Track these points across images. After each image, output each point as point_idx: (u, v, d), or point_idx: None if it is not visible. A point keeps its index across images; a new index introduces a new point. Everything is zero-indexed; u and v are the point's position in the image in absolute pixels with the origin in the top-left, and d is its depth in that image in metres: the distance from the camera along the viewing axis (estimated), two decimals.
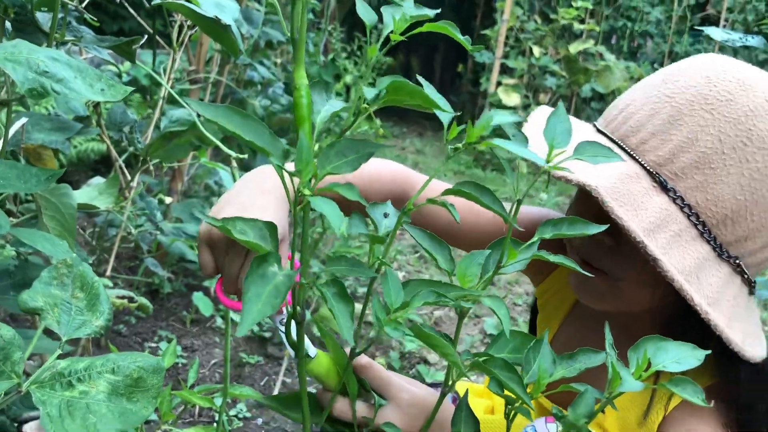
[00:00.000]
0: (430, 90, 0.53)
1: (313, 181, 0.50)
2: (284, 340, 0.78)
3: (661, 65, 7.08)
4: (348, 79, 4.90)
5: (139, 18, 1.87)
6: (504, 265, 0.63)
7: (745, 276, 0.72)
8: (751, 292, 0.75)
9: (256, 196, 0.77)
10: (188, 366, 1.82)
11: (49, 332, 0.69)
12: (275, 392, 1.73)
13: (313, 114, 0.54)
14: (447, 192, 0.58)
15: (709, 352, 0.57)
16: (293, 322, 0.60)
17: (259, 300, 0.46)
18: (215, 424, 1.62)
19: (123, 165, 1.79)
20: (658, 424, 0.79)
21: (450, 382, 0.65)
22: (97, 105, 1.47)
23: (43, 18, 0.95)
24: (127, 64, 2.87)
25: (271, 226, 0.54)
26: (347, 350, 0.67)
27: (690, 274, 0.67)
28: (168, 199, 1.99)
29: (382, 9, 0.59)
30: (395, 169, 0.97)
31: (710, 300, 0.68)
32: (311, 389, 0.76)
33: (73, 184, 1.10)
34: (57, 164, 1.38)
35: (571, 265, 0.62)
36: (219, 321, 2.06)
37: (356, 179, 0.85)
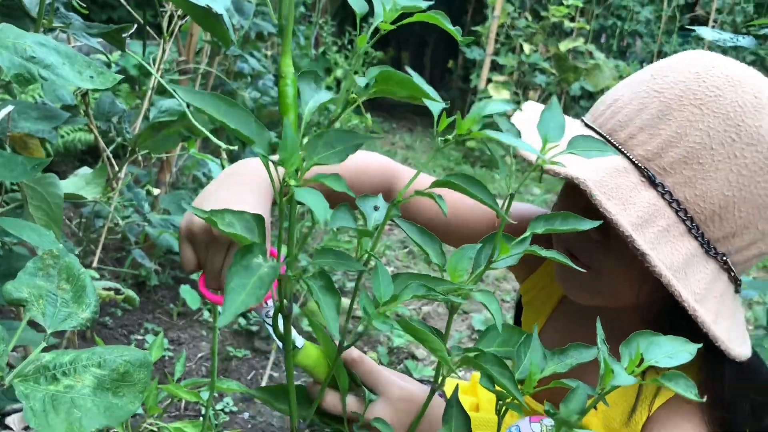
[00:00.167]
0: (419, 81, 0.52)
1: (299, 171, 0.50)
2: (271, 332, 0.77)
3: (650, 64, 7.09)
4: (339, 72, 4.88)
5: (128, 7, 1.84)
6: (495, 260, 0.63)
7: (732, 273, 0.72)
8: (737, 291, 0.75)
9: (236, 191, 0.76)
10: (175, 359, 1.81)
11: (34, 324, 0.68)
12: (263, 386, 1.72)
13: (301, 105, 0.53)
14: (436, 184, 0.57)
15: (701, 345, 0.57)
16: (280, 315, 0.59)
17: (243, 291, 0.45)
18: (201, 418, 1.61)
19: (111, 155, 1.77)
20: (642, 424, 0.79)
21: (440, 378, 0.64)
22: (85, 94, 1.45)
23: (31, 3, 0.93)
24: (116, 53, 2.84)
25: (258, 219, 0.53)
26: (336, 342, 0.66)
27: (678, 270, 0.67)
28: (156, 191, 1.97)
29: None
30: (383, 162, 0.97)
31: (697, 297, 0.68)
32: (299, 382, 0.75)
33: (59, 174, 1.08)
34: (44, 153, 1.36)
35: (563, 260, 0.61)
36: (206, 314, 2.05)
37: (343, 171, 0.84)
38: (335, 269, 0.55)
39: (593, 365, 0.62)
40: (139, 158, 1.66)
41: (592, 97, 6.32)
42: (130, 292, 1.48)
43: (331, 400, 0.70)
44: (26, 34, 0.68)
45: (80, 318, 0.71)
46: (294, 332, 0.67)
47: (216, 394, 1.63)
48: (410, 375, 1.95)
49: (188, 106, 1.17)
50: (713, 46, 6.77)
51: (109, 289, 1.50)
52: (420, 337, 0.54)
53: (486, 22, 6.15)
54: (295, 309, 1.97)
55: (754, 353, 0.78)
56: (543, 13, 6.08)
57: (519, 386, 0.60)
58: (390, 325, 0.55)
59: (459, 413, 0.62)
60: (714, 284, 0.70)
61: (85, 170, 1.58)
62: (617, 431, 0.82)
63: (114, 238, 2.08)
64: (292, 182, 0.48)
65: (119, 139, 1.88)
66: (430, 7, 0.58)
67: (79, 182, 1.19)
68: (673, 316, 0.72)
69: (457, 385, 0.64)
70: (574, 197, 0.73)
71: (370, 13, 0.59)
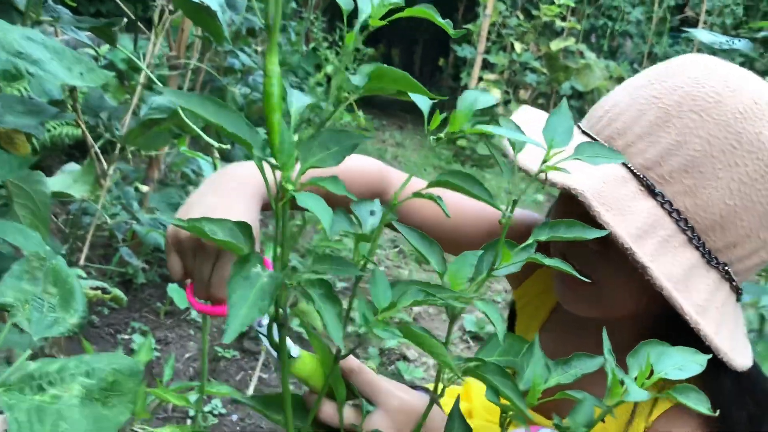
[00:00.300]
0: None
1: (295, 175, 0.48)
2: (264, 342, 0.74)
3: (640, 65, 7.13)
4: (329, 69, 4.85)
5: (117, 0, 1.81)
6: (497, 268, 0.61)
7: (734, 283, 0.71)
8: (739, 299, 0.74)
9: (224, 197, 0.74)
10: (162, 360, 1.78)
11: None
12: (251, 388, 1.70)
13: (289, 105, 0.52)
14: (433, 184, 0.55)
15: (710, 356, 0.56)
16: (275, 324, 0.57)
17: (245, 303, 0.43)
18: (189, 421, 1.58)
19: (99, 152, 1.74)
20: None
21: (441, 388, 0.63)
22: (73, 89, 1.42)
23: None
24: (105, 46, 2.80)
25: (243, 226, 0.51)
26: (333, 351, 0.64)
27: (679, 282, 0.65)
28: (144, 188, 1.94)
29: None
30: (374, 165, 0.95)
31: (699, 308, 0.66)
32: (293, 389, 0.73)
33: (46, 170, 1.05)
34: (30, 149, 1.33)
35: (567, 270, 0.59)
36: (194, 314, 2.02)
37: (336, 174, 0.82)
38: (334, 275, 0.53)
39: (594, 375, 0.61)
40: (129, 155, 1.63)
41: (582, 96, 6.33)
42: (118, 292, 1.45)
43: (328, 410, 0.68)
44: (13, 28, 0.65)
45: (67, 324, 0.69)
46: (288, 341, 0.65)
47: (204, 396, 1.61)
48: (401, 376, 1.93)
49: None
50: (703, 48, 6.81)
51: (96, 288, 1.47)
52: (423, 344, 0.52)
53: (477, 20, 6.14)
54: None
55: (753, 363, 0.77)
56: (534, 12, 6.08)
57: (523, 397, 0.58)
58: (391, 332, 0.53)
59: (461, 426, 0.61)
60: (715, 294, 0.69)
61: (73, 166, 1.54)
62: None
63: (101, 235, 2.05)
64: (290, 187, 0.45)
65: (107, 135, 1.85)
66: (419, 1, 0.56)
67: (67, 180, 1.16)
68: (671, 326, 0.71)
69: (459, 395, 0.62)
70: (571, 205, 0.71)
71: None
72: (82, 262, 1.72)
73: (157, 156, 2.08)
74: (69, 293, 0.72)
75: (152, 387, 1.02)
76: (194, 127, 1.04)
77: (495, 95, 5.65)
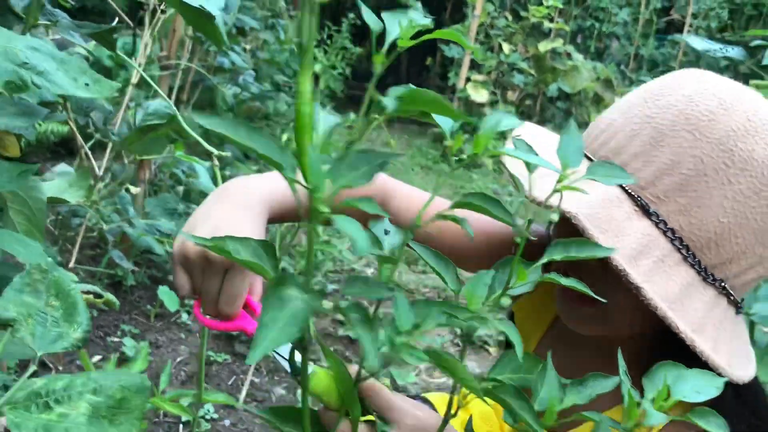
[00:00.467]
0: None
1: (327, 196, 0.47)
2: (278, 357, 0.73)
3: (627, 66, 7.18)
4: (317, 67, 4.82)
5: None
6: (512, 287, 0.61)
7: (731, 297, 0.71)
8: (738, 312, 0.74)
9: (230, 212, 0.73)
10: (154, 363, 1.76)
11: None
12: (243, 392, 1.69)
13: (316, 125, 0.51)
14: (456, 205, 0.55)
15: (726, 379, 0.56)
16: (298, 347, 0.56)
17: (275, 326, 0.42)
18: (181, 426, 1.57)
19: (89, 152, 1.72)
20: None
21: (455, 408, 0.62)
22: None
23: (17, 0, 0.89)
24: (91, 42, 2.77)
25: (266, 246, 0.50)
26: (352, 369, 0.63)
27: (674, 302, 0.66)
28: (135, 189, 1.92)
29: (384, 15, 0.56)
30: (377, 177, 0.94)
31: (695, 327, 0.67)
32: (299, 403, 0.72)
33: None
34: (19, 150, 1.31)
35: (582, 289, 0.59)
36: (185, 316, 2.01)
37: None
38: (364, 297, 0.52)
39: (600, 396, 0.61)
40: (123, 156, 1.62)
41: (569, 98, 6.36)
42: (110, 296, 1.43)
43: (343, 429, 0.67)
44: (18, 38, 0.63)
45: (71, 338, 0.68)
46: (299, 354, 0.64)
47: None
48: (394, 382, 1.93)
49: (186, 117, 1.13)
50: (688, 50, 6.85)
51: (88, 292, 1.45)
52: (450, 369, 0.52)
53: (465, 21, 6.14)
54: None
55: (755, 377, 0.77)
56: (523, 13, 6.09)
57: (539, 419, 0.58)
58: (418, 357, 0.52)
59: None
60: (712, 311, 0.69)
61: (63, 167, 1.52)
62: None
63: (89, 236, 2.03)
64: (325, 210, 0.45)
65: (98, 135, 1.83)
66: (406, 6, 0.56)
67: (62, 185, 1.14)
68: (670, 343, 0.71)
69: (471, 415, 0.62)
70: (567, 225, 0.71)
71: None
72: (72, 264, 1.70)
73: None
74: (72, 306, 0.71)
75: None
76: (193, 133, 1.03)
77: (483, 95, 5.65)
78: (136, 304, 2.03)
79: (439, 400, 1.04)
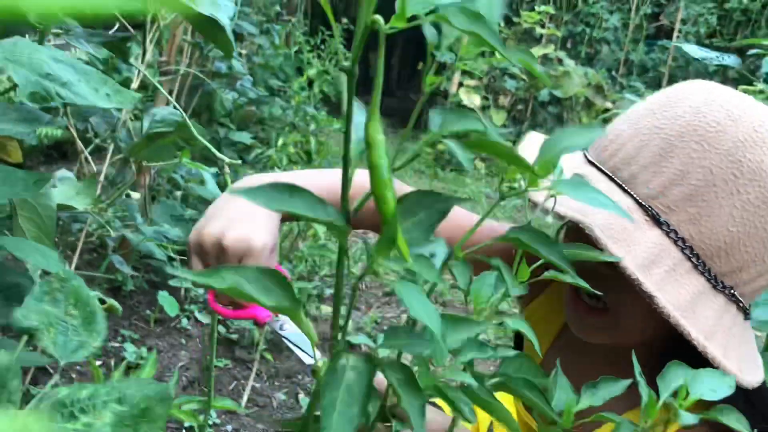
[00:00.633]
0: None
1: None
2: (291, 345, 0.74)
3: (617, 72, 7.23)
4: (311, 72, 4.84)
5: None
6: (515, 286, 0.61)
7: (741, 304, 0.73)
8: (747, 318, 0.76)
9: (244, 207, 0.75)
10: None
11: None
12: (245, 398, 1.69)
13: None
14: (504, 239, 0.54)
15: (737, 377, 0.57)
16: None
17: (334, 411, 0.37)
18: (184, 431, 1.57)
19: (89, 156, 1.71)
20: None
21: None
22: None
23: None
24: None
25: (277, 277, 0.44)
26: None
27: (686, 310, 0.67)
28: (134, 194, 1.92)
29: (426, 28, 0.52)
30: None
31: (707, 333, 0.68)
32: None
33: None
34: (21, 156, 1.31)
35: (583, 285, 0.59)
36: (184, 321, 2.00)
37: (356, 192, 0.82)
38: (409, 353, 0.48)
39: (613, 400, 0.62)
40: (123, 162, 1.61)
41: (560, 103, 6.39)
42: (114, 302, 1.44)
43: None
44: (41, 48, 0.64)
45: (91, 347, 0.68)
46: (308, 344, 0.64)
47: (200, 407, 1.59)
48: None
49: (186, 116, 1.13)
50: (678, 55, 6.90)
51: None
52: (492, 410, 0.52)
53: None
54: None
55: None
56: (515, 19, 6.12)
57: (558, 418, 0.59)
58: (462, 400, 0.50)
59: None
60: (723, 317, 0.71)
61: (64, 173, 1.52)
62: None
63: (88, 241, 2.02)
64: (384, 270, 0.39)
65: (97, 140, 1.83)
66: None
67: (69, 192, 1.15)
68: (675, 351, 0.72)
69: (492, 421, 0.63)
70: (578, 234, 0.71)
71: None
72: (72, 269, 1.70)
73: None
74: (91, 315, 0.71)
75: None
76: (204, 141, 1.03)
77: (474, 101, 5.65)
78: (135, 309, 2.02)
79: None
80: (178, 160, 1.27)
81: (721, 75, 6.32)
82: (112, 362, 1.79)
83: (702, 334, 0.67)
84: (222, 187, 1.02)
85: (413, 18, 0.38)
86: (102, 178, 1.71)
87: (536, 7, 5.96)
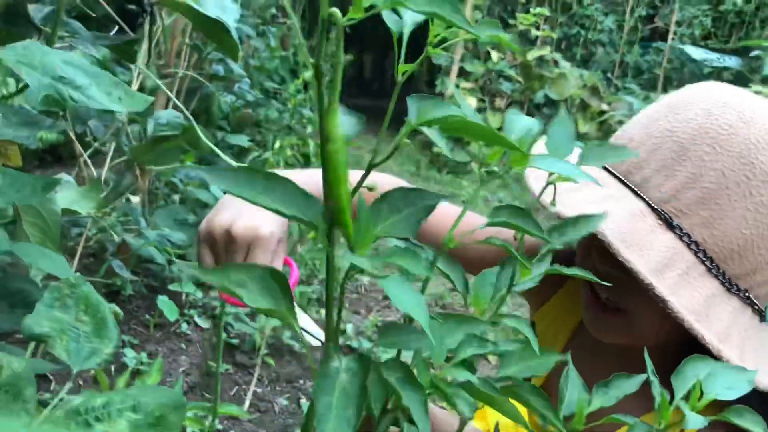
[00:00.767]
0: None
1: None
2: (306, 336, 0.74)
3: (612, 74, 7.25)
4: (307, 75, 4.82)
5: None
6: (517, 283, 0.60)
7: (755, 307, 0.72)
8: (762, 320, 0.75)
9: None
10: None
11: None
12: (246, 403, 1.68)
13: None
14: (491, 224, 0.54)
15: (756, 370, 0.56)
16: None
17: (331, 414, 0.37)
18: None
19: (88, 160, 1.70)
20: None
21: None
22: None
23: (36, 12, 0.88)
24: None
25: (278, 276, 0.43)
26: None
27: (700, 313, 0.67)
28: (134, 198, 1.90)
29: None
30: (393, 182, 0.94)
31: (721, 336, 0.68)
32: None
33: None
34: (21, 160, 1.29)
35: (589, 277, 0.58)
36: (184, 326, 1.99)
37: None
38: (404, 349, 0.47)
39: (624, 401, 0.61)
40: (125, 165, 1.60)
41: (555, 105, 6.41)
42: (115, 308, 1.43)
43: None
44: (53, 52, 0.63)
45: (103, 354, 0.67)
46: (313, 326, 0.63)
47: (203, 413, 1.58)
48: None
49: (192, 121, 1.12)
50: (673, 57, 6.92)
51: None
52: (495, 404, 0.51)
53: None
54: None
55: None
56: (511, 21, 6.14)
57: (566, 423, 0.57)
58: (464, 399, 0.50)
59: None
60: (738, 319, 0.70)
61: (64, 177, 1.51)
62: None
63: (87, 245, 2.01)
64: (366, 265, 0.38)
65: (96, 144, 1.82)
66: None
67: (73, 196, 1.13)
68: (694, 353, 0.72)
69: (498, 422, 0.62)
70: (590, 238, 0.71)
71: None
72: None
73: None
74: (102, 322, 0.70)
75: None
76: (209, 143, 1.02)
77: (471, 103, 5.67)
78: (134, 314, 2.01)
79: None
80: (189, 165, 1.27)
81: (716, 76, 6.35)
82: (113, 367, 1.78)
83: (716, 337, 0.67)
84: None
85: (371, 8, 0.38)
86: (102, 182, 1.69)
87: (531, 9, 5.97)
